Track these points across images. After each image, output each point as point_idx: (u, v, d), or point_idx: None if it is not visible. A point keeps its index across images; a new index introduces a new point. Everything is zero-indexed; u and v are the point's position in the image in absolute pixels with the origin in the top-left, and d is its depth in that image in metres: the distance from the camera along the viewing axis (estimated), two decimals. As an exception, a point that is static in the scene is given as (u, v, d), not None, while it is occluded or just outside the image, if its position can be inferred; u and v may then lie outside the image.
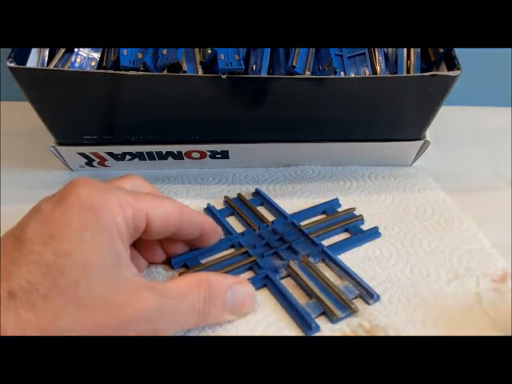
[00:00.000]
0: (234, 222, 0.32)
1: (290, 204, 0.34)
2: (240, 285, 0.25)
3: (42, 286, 0.19)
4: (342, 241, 0.31)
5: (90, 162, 0.37)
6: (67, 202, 0.21)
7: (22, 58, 0.31)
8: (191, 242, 0.28)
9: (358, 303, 0.26)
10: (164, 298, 0.21)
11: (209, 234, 0.28)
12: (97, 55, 0.34)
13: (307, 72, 0.32)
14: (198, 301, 0.23)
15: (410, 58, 0.35)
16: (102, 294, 0.20)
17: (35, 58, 0.33)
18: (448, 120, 0.44)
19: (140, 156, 0.36)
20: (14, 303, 0.18)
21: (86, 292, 0.19)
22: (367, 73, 0.34)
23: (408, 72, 0.35)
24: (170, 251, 0.28)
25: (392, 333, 0.23)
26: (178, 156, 0.36)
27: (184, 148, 0.35)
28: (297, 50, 0.32)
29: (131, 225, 0.23)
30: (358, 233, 0.31)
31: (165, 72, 0.32)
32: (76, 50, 0.33)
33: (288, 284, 0.27)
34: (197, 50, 0.33)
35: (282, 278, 0.28)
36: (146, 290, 0.21)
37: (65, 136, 0.34)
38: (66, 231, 0.20)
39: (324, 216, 0.33)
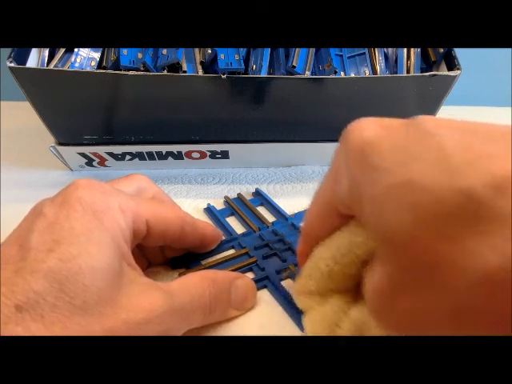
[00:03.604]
0: (234, 223, 0.32)
1: (290, 204, 0.34)
2: (241, 279, 0.26)
3: (49, 295, 0.18)
4: (342, 241, 0.30)
5: (89, 162, 0.37)
6: (70, 205, 0.20)
7: (22, 58, 0.31)
8: (190, 248, 0.28)
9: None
10: (171, 297, 0.21)
11: (209, 242, 0.28)
12: (97, 55, 0.34)
13: (307, 72, 0.32)
14: (205, 298, 0.23)
15: (410, 58, 0.35)
16: (109, 298, 0.19)
17: (35, 58, 0.33)
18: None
19: (140, 156, 0.36)
20: (21, 316, 0.17)
21: (94, 297, 0.19)
22: (367, 73, 0.34)
23: (408, 72, 0.35)
24: (169, 255, 0.29)
25: None
26: (178, 156, 0.36)
27: (184, 148, 0.35)
28: (297, 50, 0.32)
29: (132, 228, 0.22)
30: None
31: (165, 72, 0.32)
32: (76, 50, 0.33)
33: (288, 285, 0.27)
34: (197, 49, 0.33)
35: (283, 279, 0.28)
36: (153, 291, 0.21)
37: (65, 136, 0.34)
38: (70, 236, 0.19)
39: (324, 216, 0.33)
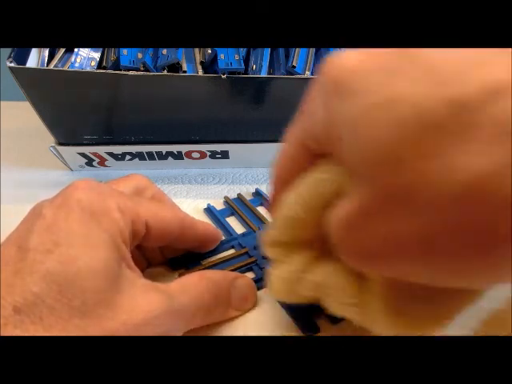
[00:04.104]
0: (234, 223, 0.32)
1: (290, 204, 0.34)
2: (241, 279, 0.25)
3: (47, 297, 0.18)
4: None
5: (89, 162, 0.37)
6: (69, 207, 0.20)
7: (22, 58, 0.31)
8: (190, 248, 0.28)
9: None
10: (170, 298, 0.21)
11: (208, 242, 0.28)
12: (97, 55, 0.34)
13: (307, 72, 0.32)
14: (204, 299, 0.23)
15: (410, 57, 0.35)
16: (108, 300, 0.19)
17: (35, 58, 0.33)
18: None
19: (140, 156, 0.36)
20: (20, 318, 0.17)
21: (93, 299, 0.19)
22: (367, 73, 0.34)
23: (408, 72, 0.35)
24: (168, 255, 0.28)
25: None
26: (178, 156, 0.36)
27: (184, 148, 0.35)
28: (297, 50, 0.32)
29: (130, 230, 0.22)
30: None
31: (165, 72, 0.32)
32: (76, 50, 0.33)
33: (288, 284, 0.27)
34: (197, 49, 0.33)
35: (282, 278, 0.28)
36: (152, 292, 0.21)
37: (65, 136, 0.34)
38: (69, 237, 0.19)
39: (324, 216, 0.33)
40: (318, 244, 0.21)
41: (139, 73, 0.30)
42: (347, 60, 0.16)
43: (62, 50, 0.34)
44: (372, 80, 0.14)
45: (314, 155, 0.19)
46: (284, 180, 0.20)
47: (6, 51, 0.30)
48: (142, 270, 0.28)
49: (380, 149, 0.14)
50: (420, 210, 0.13)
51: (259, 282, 0.27)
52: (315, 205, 0.19)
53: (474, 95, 0.12)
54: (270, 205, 0.22)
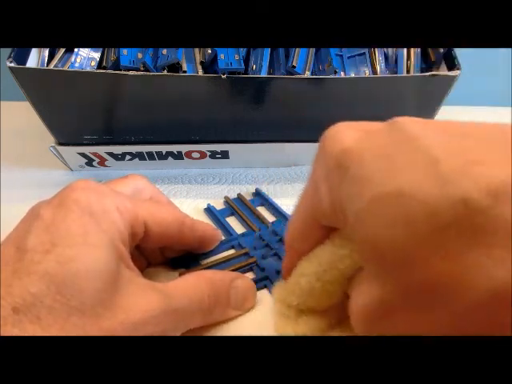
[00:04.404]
0: (234, 223, 0.32)
1: (290, 204, 0.34)
2: (241, 280, 0.25)
3: (46, 297, 0.18)
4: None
5: (89, 162, 0.37)
6: (67, 207, 0.20)
7: (22, 58, 0.31)
8: (189, 248, 0.28)
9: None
10: (169, 298, 0.21)
11: (207, 242, 0.28)
12: (97, 55, 0.34)
13: (307, 72, 0.32)
14: (203, 299, 0.23)
15: (410, 57, 0.35)
16: (106, 299, 0.19)
17: (35, 58, 0.33)
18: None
19: (140, 156, 0.36)
20: (18, 318, 0.17)
21: (91, 299, 0.19)
22: (367, 73, 0.34)
23: (408, 72, 0.35)
24: (168, 255, 0.28)
25: None
26: (178, 156, 0.36)
27: (184, 148, 0.35)
28: (297, 50, 0.32)
29: (129, 230, 0.22)
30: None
31: (165, 72, 0.32)
32: (76, 50, 0.33)
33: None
34: (197, 49, 0.33)
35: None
36: (150, 292, 0.21)
37: (65, 136, 0.34)
38: (67, 237, 0.19)
39: (324, 216, 0.33)
40: (331, 313, 0.21)
41: (139, 73, 0.30)
42: (348, 138, 0.16)
43: (62, 50, 0.34)
44: (375, 168, 0.14)
45: (326, 228, 0.18)
46: (297, 250, 0.20)
47: (6, 51, 0.30)
48: (142, 270, 0.28)
49: (390, 246, 0.13)
50: (444, 308, 0.13)
51: (259, 283, 0.27)
52: (331, 279, 0.19)
53: (481, 197, 0.12)
54: (283, 269, 0.22)
